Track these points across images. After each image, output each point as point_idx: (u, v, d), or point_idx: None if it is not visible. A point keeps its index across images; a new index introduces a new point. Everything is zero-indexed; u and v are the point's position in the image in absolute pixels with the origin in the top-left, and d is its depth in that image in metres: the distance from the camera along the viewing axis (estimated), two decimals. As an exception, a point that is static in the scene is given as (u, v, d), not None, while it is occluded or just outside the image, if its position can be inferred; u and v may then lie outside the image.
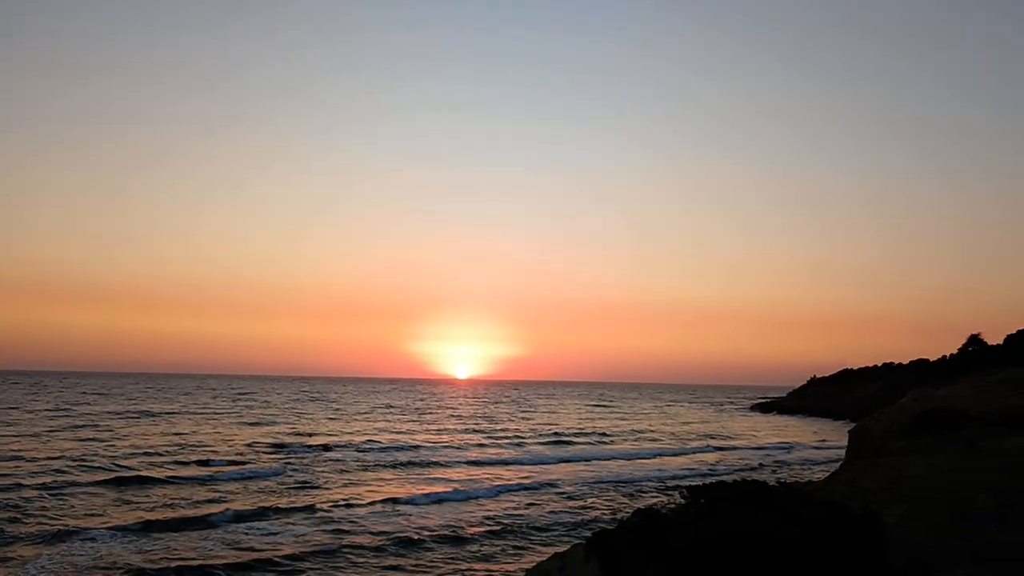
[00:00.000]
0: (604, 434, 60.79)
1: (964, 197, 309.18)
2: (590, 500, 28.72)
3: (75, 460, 34.33)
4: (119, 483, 28.88)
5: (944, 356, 44.31)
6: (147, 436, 47.49)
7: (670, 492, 27.08)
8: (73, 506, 24.49)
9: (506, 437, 55.56)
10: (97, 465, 33.03)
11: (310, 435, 51.35)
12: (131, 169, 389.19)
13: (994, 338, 39.30)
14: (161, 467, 33.41)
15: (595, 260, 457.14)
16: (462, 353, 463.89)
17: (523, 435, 57.61)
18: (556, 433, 59.61)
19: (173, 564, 17.86)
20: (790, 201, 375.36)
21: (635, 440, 56.75)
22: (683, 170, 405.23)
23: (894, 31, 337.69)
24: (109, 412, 69.44)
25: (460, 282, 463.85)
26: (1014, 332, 38.11)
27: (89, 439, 44.22)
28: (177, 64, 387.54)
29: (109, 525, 21.56)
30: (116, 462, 34.08)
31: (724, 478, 9.90)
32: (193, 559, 18.40)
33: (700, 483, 8.83)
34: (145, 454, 37.50)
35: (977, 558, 8.07)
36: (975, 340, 39.51)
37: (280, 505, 25.41)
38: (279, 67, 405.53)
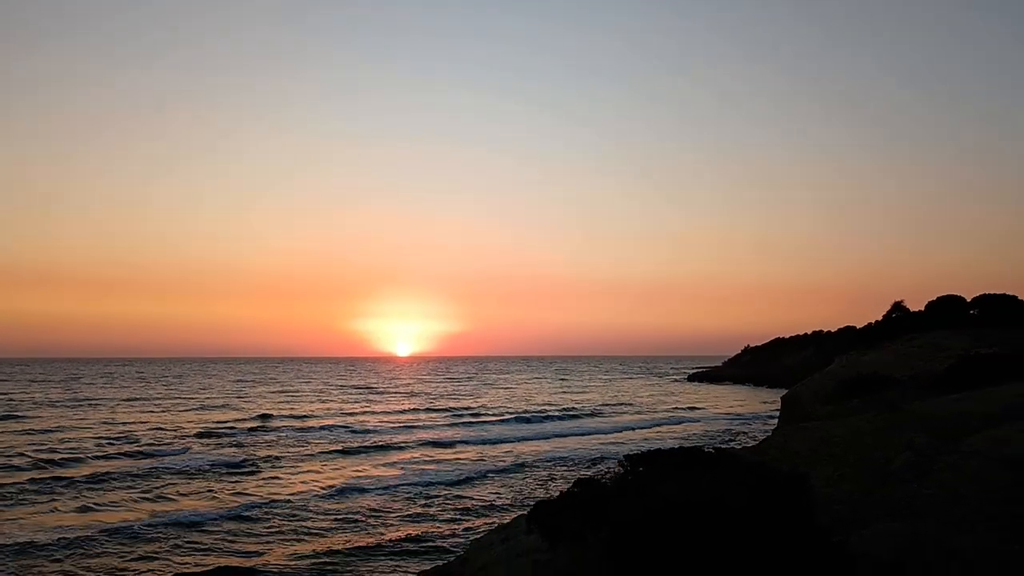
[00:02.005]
0: (566, 409, 60.85)
1: (889, 174, 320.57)
2: (557, 481, 27.28)
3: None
4: (42, 483, 26.34)
5: (870, 323, 45.97)
6: (76, 427, 45.35)
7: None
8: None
9: (462, 415, 54.91)
10: (16, 463, 30.36)
11: (255, 418, 50.15)
12: (65, 141, 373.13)
13: (916, 305, 41.01)
14: (89, 461, 31.27)
15: (536, 237, 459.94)
16: (402, 330, 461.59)
17: (481, 413, 57.12)
18: (515, 410, 59.42)
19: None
20: (725, 179, 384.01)
21: (597, 415, 56.94)
22: (626, 149, 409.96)
23: (832, 13, 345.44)
24: (35, 401, 66.77)
25: (399, 259, 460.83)
26: (934, 299, 39.79)
27: (9, 432, 41.93)
28: (124, 33, 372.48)
29: (24, 535, 19.17)
30: (40, 457, 31.81)
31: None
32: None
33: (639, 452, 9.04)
34: (74, 447, 35.39)
35: (897, 513, 8.52)
36: (898, 307, 41.11)
37: (220, 499, 24.01)
38: (228, 42, 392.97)
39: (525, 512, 8.88)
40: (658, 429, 46.97)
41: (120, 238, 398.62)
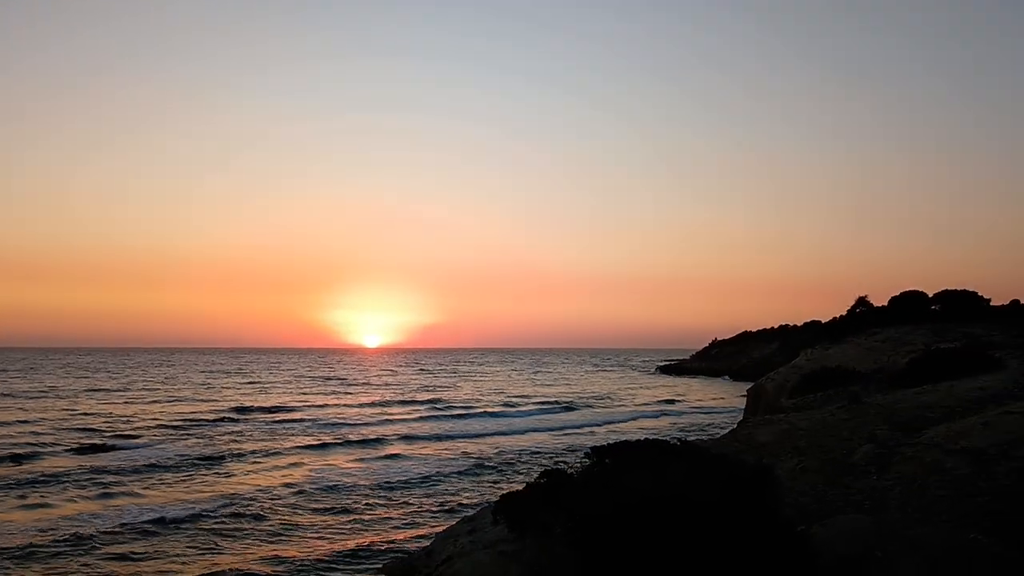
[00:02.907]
0: (543, 402, 60.41)
1: (856, 171, 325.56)
2: (533, 474, 26.11)
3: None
4: None
5: (835, 318, 46.59)
6: (35, 419, 44.18)
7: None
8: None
9: (438, 408, 54.12)
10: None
11: (224, 410, 49.10)
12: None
13: (880, 300, 41.62)
14: (46, 456, 30.19)
15: (505, 227, 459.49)
16: (370, 322, 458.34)
17: (457, 405, 56.27)
18: (492, 403, 58.88)
19: None
20: (695, 175, 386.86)
21: (574, 408, 56.68)
22: (599, 140, 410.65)
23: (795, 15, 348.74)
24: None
25: (366, 247, 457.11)
26: (897, 294, 40.43)
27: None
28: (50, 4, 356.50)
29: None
30: None
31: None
32: None
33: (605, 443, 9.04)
34: (31, 440, 34.13)
35: (859, 505, 8.63)
36: (862, 302, 41.66)
37: (184, 496, 23.38)
38: (167, 10, 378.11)
39: (492, 504, 8.83)
40: (634, 423, 46.97)
41: (54, 224, 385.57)
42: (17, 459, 29.24)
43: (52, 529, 19.04)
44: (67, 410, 48.32)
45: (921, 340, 29.29)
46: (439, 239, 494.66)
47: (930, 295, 40.38)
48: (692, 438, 30.96)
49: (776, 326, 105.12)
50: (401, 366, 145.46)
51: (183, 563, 16.60)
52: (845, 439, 12.43)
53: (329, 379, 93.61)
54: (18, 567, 16.16)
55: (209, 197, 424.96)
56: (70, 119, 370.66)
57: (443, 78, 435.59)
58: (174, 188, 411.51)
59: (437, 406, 55.87)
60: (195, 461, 29.49)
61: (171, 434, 37.48)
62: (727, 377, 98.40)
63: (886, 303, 40.77)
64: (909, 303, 39.29)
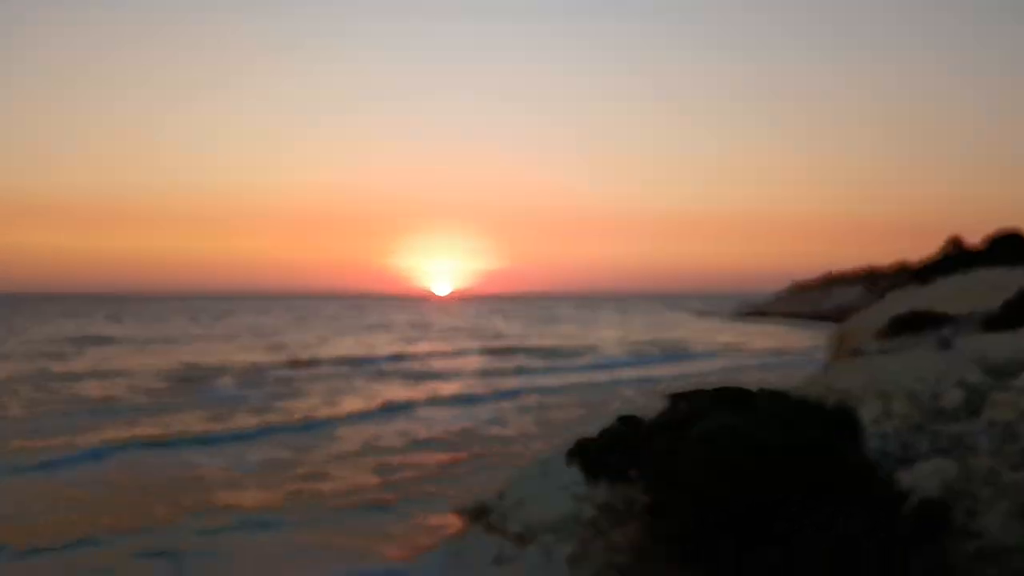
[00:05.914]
0: (643, 351, 58.77)
1: (944, 106, 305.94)
2: None
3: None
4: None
5: (924, 259, 44.60)
6: (121, 363, 45.83)
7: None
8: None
9: (535, 356, 52.59)
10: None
11: (326, 359, 48.27)
12: (76, 67, 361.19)
13: (973, 239, 39.56)
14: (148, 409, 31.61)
15: (569, 166, 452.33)
16: (438, 267, 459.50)
17: (555, 352, 55.07)
18: (605, 351, 57.66)
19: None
20: (772, 101, 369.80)
21: (669, 356, 54.82)
22: (660, 71, 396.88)
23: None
24: (68, 337, 66.48)
25: (432, 192, 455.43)
26: (992, 234, 38.34)
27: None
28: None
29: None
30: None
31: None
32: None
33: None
34: (119, 392, 35.18)
35: (947, 451, 8.36)
36: (954, 242, 39.74)
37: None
38: None
39: (565, 447, 8.92)
40: (715, 367, 45.49)
41: (137, 170, 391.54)
42: (139, 408, 28.97)
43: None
44: (172, 357, 50.51)
45: (1017, 283, 27.82)
46: (507, 181, 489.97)
47: (1029, 234, 38.09)
48: (770, 383, 30.13)
49: (861, 268, 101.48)
50: (482, 313, 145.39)
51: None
52: (932, 384, 11.99)
53: (415, 326, 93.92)
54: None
55: (273, 143, 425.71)
56: (155, 69, 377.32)
57: (491, 19, 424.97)
58: (241, 137, 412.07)
59: (531, 355, 53.88)
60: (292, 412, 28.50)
61: (267, 381, 37.63)
62: (799, 321, 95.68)
63: (980, 243, 38.78)
64: (1005, 243, 37.26)
